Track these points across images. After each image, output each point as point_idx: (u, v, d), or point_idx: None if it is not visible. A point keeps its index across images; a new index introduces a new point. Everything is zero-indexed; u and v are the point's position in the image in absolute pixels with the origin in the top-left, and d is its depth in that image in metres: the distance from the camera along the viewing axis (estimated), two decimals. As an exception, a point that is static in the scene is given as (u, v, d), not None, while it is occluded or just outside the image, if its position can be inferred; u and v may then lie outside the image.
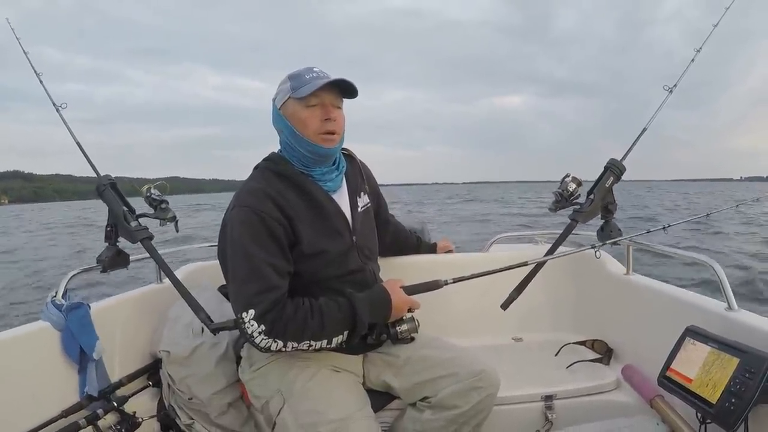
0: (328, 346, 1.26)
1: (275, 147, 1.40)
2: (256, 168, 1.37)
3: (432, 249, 2.02)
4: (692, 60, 1.82)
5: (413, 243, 1.95)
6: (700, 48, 1.82)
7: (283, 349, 1.20)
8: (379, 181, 1.64)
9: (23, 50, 1.69)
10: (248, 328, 1.17)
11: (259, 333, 1.17)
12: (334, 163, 1.39)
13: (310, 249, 1.28)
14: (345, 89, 1.30)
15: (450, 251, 2.06)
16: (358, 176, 1.49)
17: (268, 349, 1.20)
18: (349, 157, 1.49)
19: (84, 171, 1.65)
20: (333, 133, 1.29)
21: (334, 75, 1.27)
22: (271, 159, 1.36)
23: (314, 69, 1.29)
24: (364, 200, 1.47)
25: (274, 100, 1.33)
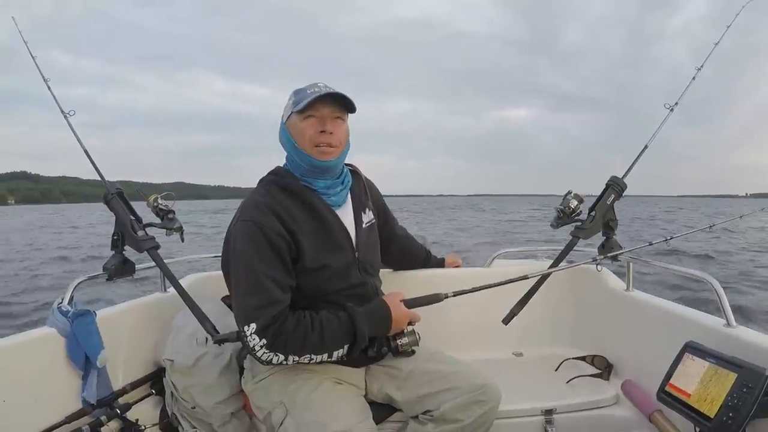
0: (329, 359, 1.27)
1: (280, 155, 1.40)
2: (260, 181, 1.38)
3: (440, 265, 2.01)
4: (693, 78, 1.84)
5: (422, 256, 1.95)
6: (701, 66, 1.84)
7: (285, 363, 1.22)
8: (383, 192, 1.65)
9: (32, 55, 1.70)
10: (250, 341, 1.18)
11: (261, 346, 1.18)
12: (338, 177, 1.40)
13: (312, 263, 1.29)
14: (344, 101, 1.31)
15: (458, 266, 2.05)
16: (363, 193, 1.50)
17: (269, 362, 1.21)
18: (355, 173, 1.50)
19: (91, 174, 1.66)
20: (329, 146, 1.30)
21: (339, 86, 1.29)
22: (276, 173, 1.38)
23: (318, 84, 1.31)
24: (368, 216, 1.48)
25: (282, 117, 1.36)
